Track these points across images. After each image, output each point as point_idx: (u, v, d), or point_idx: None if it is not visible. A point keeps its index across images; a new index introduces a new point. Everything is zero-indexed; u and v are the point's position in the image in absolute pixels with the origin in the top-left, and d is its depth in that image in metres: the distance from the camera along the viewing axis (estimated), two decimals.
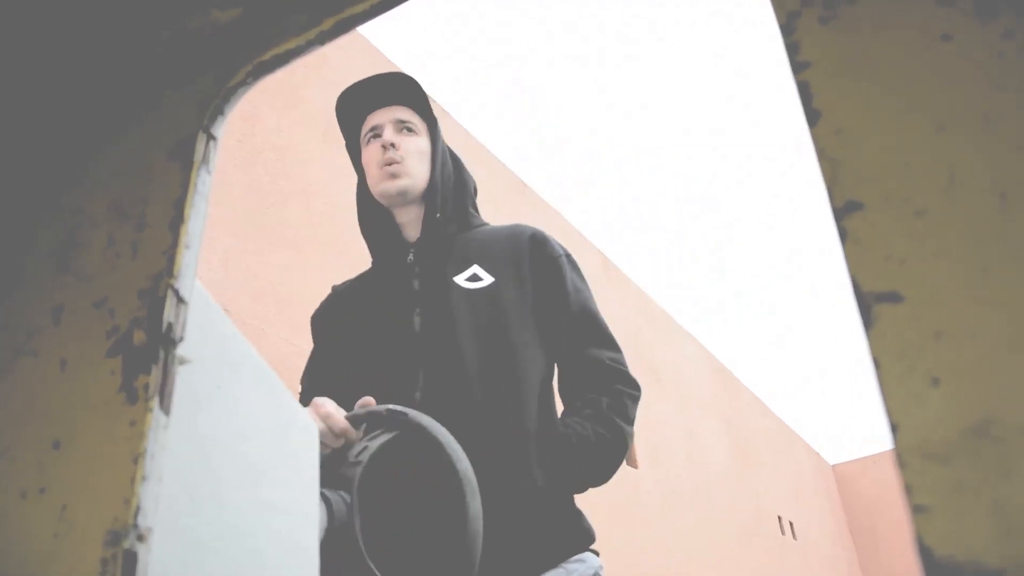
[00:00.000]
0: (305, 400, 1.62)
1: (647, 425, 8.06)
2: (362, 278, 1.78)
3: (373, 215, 1.73)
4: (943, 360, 0.30)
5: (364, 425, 1.21)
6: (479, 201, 1.88)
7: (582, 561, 1.43)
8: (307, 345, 3.55)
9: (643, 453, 7.89)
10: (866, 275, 0.33)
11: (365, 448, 1.10)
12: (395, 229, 1.71)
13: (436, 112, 5.76)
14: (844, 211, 0.34)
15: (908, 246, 0.32)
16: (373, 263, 1.78)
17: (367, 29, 5.31)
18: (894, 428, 0.30)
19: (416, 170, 1.68)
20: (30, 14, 0.78)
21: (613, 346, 1.64)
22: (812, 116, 0.36)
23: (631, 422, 1.55)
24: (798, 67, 0.38)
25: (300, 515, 0.76)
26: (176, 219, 0.65)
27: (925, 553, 0.28)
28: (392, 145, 1.65)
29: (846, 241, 0.34)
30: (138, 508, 0.54)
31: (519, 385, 1.50)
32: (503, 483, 1.40)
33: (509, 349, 1.52)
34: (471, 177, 1.83)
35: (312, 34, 0.68)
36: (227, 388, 0.69)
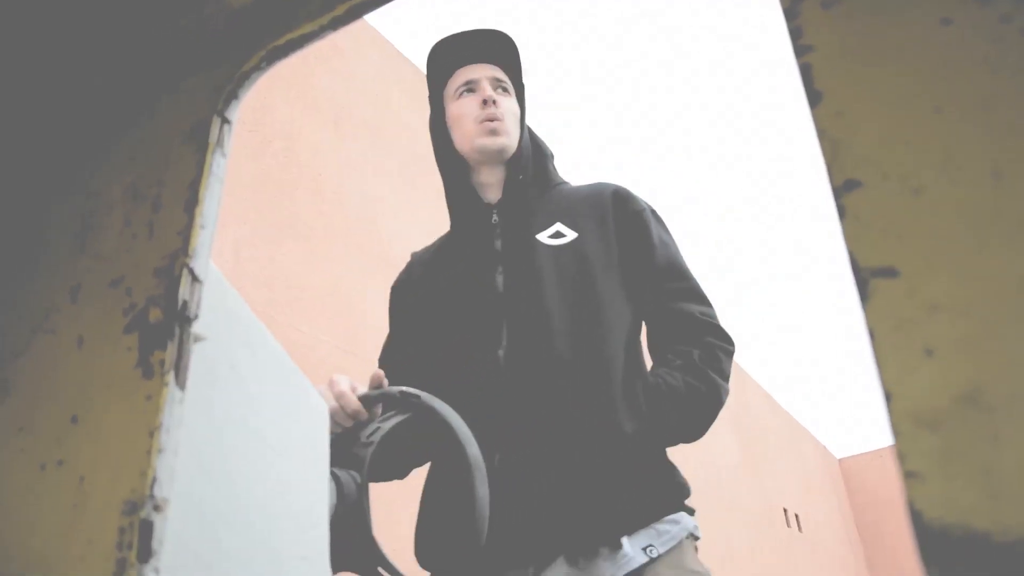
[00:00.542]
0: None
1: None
2: (441, 243, 1.78)
3: (451, 175, 1.71)
4: (936, 332, 0.31)
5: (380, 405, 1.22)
6: None
7: (675, 522, 1.39)
8: (317, 334, 3.56)
9: None
10: (864, 251, 0.34)
11: (377, 429, 1.11)
12: (471, 191, 1.69)
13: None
14: (843, 189, 0.35)
15: (905, 223, 0.33)
16: (452, 226, 1.76)
17: (379, 21, 5.32)
18: (888, 397, 0.31)
19: (512, 130, 1.67)
20: (51, 1, 0.79)
21: (703, 300, 1.60)
22: (814, 98, 0.37)
23: (726, 377, 1.51)
24: (801, 51, 0.39)
25: (310, 491, 0.77)
26: (191, 200, 0.66)
27: (916, 517, 0.29)
28: (494, 102, 1.64)
29: (845, 218, 0.35)
30: (154, 479, 0.55)
31: (606, 338, 1.48)
32: (590, 435, 1.38)
33: (595, 302, 1.50)
34: (544, 142, 1.81)
35: (325, 19, 0.69)
36: (240, 365, 0.70)
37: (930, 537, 0.29)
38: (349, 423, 1.20)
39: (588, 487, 1.34)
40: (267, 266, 3.64)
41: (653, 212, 1.67)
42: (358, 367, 3.65)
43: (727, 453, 10.18)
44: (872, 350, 0.32)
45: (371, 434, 1.10)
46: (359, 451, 1.06)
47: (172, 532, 0.56)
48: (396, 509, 3.08)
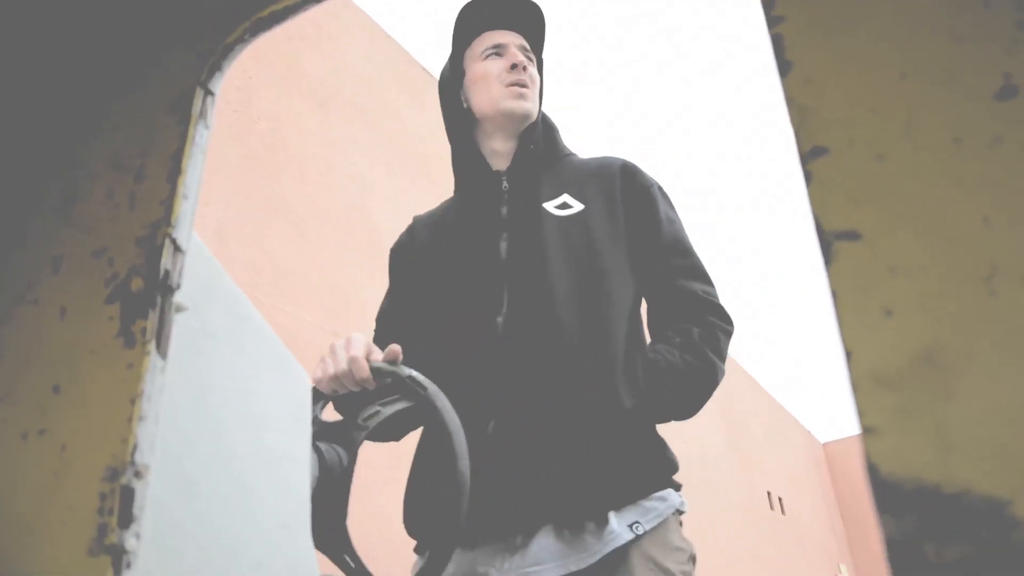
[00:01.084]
0: (380, 341, 1.61)
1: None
2: (445, 207, 1.77)
3: (460, 139, 1.71)
4: (896, 292, 0.32)
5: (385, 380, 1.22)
6: None
7: (663, 499, 1.40)
8: (301, 314, 3.56)
9: None
10: (828, 215, 0.35)
11: (376, 413, 1.11)
12: (480, 157, 1.68)
13: (432, 83, 5.74)
14: (810, 156, 0.36)
15: (868, 187, 0.34)
16: (457, 191, 1.76)
17: (367, 2, 5.28)
18: (848, 355, 0.32)
19: (536, 99, 1.68)
20: None
21: (706, 279, 1.60)
22: (784, 67, 0.38)
23: (723, 357, 1.51)
24: (773, 21, 0.40)
25: (291, 461, 0.78)
26: (174, 171, 0.66)
27: (872, 471, 0.30)
28: (524, 68, 1.65)
29: (811, 183, 0.35)
30: (135, 446, 0.56)
31: (608, 310, 1.48)
32: (588, 407, 1.39)
33: (599, 274, 1.50)
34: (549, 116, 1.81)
35: None
36: (221, 335, 0.71)
37: (885, 489, 0.30)
38: (356, 389, 1.20)
39: (582, 459, 1.34)
40: (252, 248, 3.63)
41: (660, 188, 1.67)
42: None
43: (712, 437, 10.24)
44: (834, 310, 0.33)
45: (368, 417, 1.10)
46: (354, 433, 1.07)
47: (153, 498, 0.57)
48: (379, 483, 3.10)
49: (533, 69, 1.70)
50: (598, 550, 1.31)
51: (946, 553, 0.28)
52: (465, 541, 1.11)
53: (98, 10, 0.81)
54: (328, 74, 4.66)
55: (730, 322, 1.56)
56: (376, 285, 1.76)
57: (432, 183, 5.07)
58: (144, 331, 0.60)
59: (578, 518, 1.34)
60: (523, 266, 1.52)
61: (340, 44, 4.89)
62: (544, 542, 1.33)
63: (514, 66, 1.64)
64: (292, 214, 3.99)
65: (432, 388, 1.15)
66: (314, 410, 1.12)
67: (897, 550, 0.29)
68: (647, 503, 1.38)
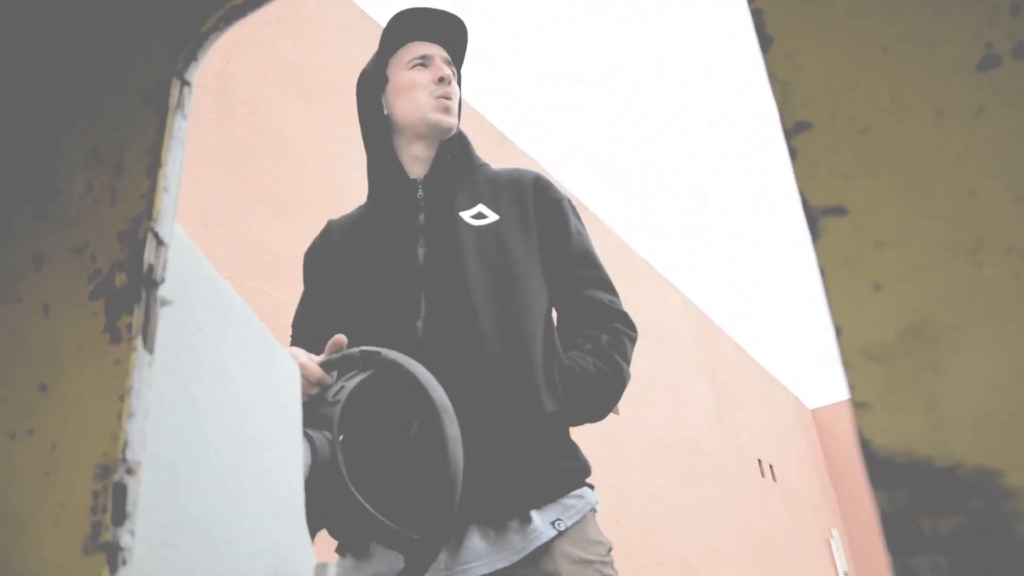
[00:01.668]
0: (298, 345, 1.63)
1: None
2: (360, 213, 1.80)
3: (377, 144, 1.75)
4: (883, 267, 0.32)
5: (336, 370, 1.25)
6: None
7: (580, 497, 1.46)
8: (286, 298, 3.55)
9: (627, 401, 7.98)
10: (814, 191, 0.34)
11: (342, 388, 1.12)
12: (396, 164, 1.72)
13: None
14: (794, 131, 0.36)
15: (853, 162, 0.34)
16: (372, 197, 1.80)
17: None
18: (838, 331, 0.32)
19: (457, 112, 1.73)
20: None
21: (611, 289, 1.68)
22: (765, 42, 0.38)
23: (629, 361, 1.59)
24: None
25: (284, 452, 0.78)
26: (153, 164, 0.65)
27: (864, 445, 0.30)
28: (449, 82, 1.70)
29: (796, 160, 0.35)
30: (126, 443, 0.56)
31: (525, 316, 1.53)
32: (510, 411, 1.43)
33: (514, 283, 1.55)
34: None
35: None
36: (208, 327, 0.70)
37: (877, 463, 0.30)
38: (315, 390, 1.22)
39: (505, 460, 1.39)
40: (235, 232, 3.61)
41: (570, 203, 1.74)
42: None
43: (701, 406, 10.31)
44: (823, 286, 0.33)
45: (337, 393, 1.11)
46: (327, 411, 1.07)
47: (146, 495, 0.56)
48: None
49: (455, 83, 1.75)
50: (523, 547, 1.36)
51: (940, 525, 0.28)
52: (386, 542, 1.14)
53: (70, 3, 0.79)
54: (305, 55, 4.62)
55: (634, 329, 1.65)
56: None
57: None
58: (130, 327, 0.59)
59: (503, 517, 1.38)
60: (441, 272, 1.56)
61: (316, 24, 4.85)
62: (470, 543, 1.38)
63: (441, 79, 1.70)
64: (274, 198, 3.96)
65: (385, 350, 1.17)
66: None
67: (891, 524, 0.29)
68: (566, 501, 1.44)
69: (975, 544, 0.28)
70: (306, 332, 1.68)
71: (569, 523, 1.40)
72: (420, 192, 1.68)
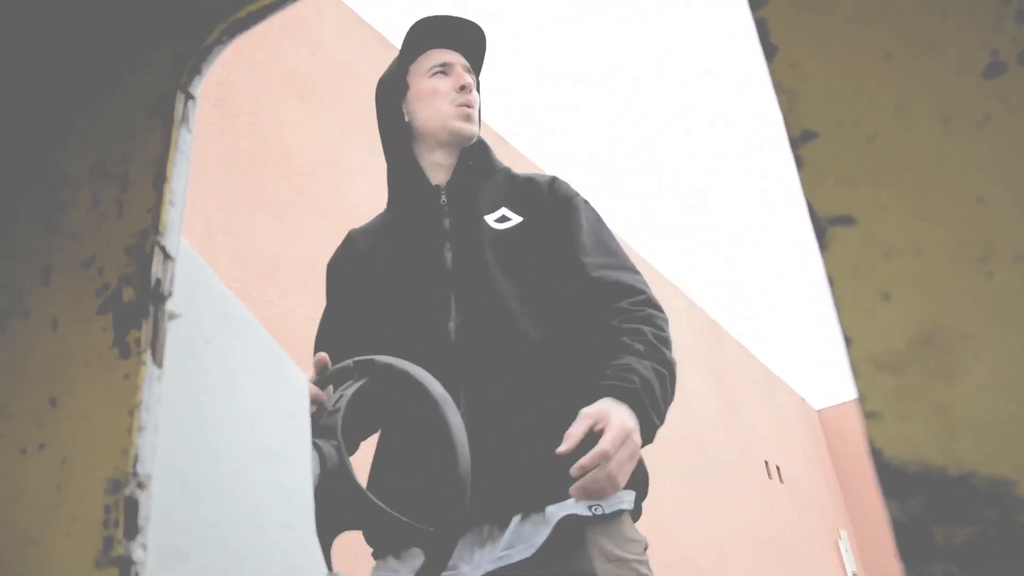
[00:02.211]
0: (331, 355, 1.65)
1: None
2: (382, 220, 1.81)
3: (397, 151, 1.75)
4: (892, 276, 0.32)
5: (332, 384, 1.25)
6: None
7: (622, 495, 1.43)
8: (290, 306, 3.55)
9: None
10: (821, 200, 0.35)
11: (341, 396, 1.14)
12: (418, 171, 1.72)
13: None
14: (800, 140, 0.36)
15: (859, 171, 0.34)
16: (392, 204, 1.80)
17: None
18: (848, 341, 0.32)
19: (478, 119, 1.74)
20: None
21: (632, 269, 1.63)
22: (769, 51, 0.38)
23: (671, 349, 1.54)
24: (756, 4, 0.39)
25: (293, 462, 0.78)
26: (159, 177, 0.66)
27: (876, 455, 0.30)
28: (471, 90, 1.71)
29: (802, 169, 0.35)
30: (136, 457, 0.56)
31: (556, 317, 1.53)
32: (548, 405, 1.43)
33: (541, 283, 1.56)
34: None
35: None
36: (216, 340, 0.70)
37: (889, 473, 0.30)
38: (313, 409, 1.23)
39: (544, 454, 1.38)
40: (239, 241, 3.62)
41: (584, 201, 1.72)
42: None
43: (707, 408, 10.30)
44: (832, 296, 0.33)
45: (336, 402, 1.12)
46: (328, 420, 1.08)
47: (157, 507, 0.57)
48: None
49: (475, 91, 1.76)
50: (555, 519, 1.36)
51: (954, 535, 0.28)
52: (405, 539, 1.14)
53: (73, 16, 0.80)
54: (306, 64, 4.63)
55: (662, 309, 1.60)
56: None
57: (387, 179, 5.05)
58: (139, 341, 0.59)
59: (545, 504, 1.38)
60: (469, 275, 1.57)
61: (316, 32, 4.86)
62: (513, 528, 1.38)
63: (463, 87, 1.70)
64: (277, 206, 3.97)
65: (378, 356, 1.19)
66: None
67: (904, 534, 0.29)
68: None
69: (989, 554, 0.28)
70: (332, 344, 1.68)
71: (608, 510, 1.38)
72: (444, 198, 1.69)
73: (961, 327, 0.31)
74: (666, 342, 1.52)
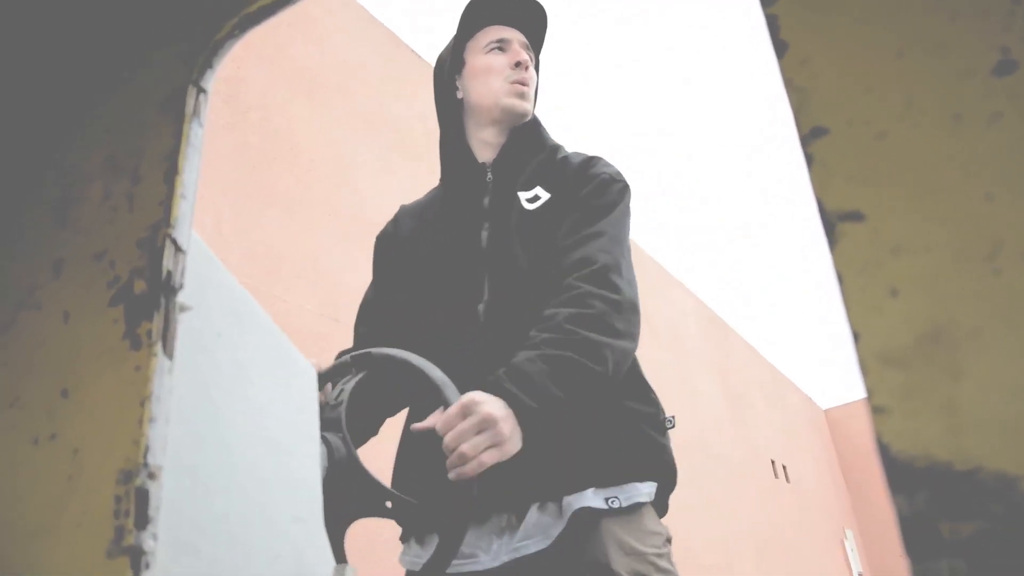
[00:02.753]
0: (363, 330, 1.66)
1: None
2: (430, 197, 1.79)
3: (450, 127, 1.73)
4: (901, 272, 0.32)
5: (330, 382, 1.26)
6: None
7: (643, 486, 1.41)
8: (299, 302, 3.56)
9: None
10: (830, 196, 0.35)
11: (341, 391, 1.15)
12: (466, 148, 1.70)
13: (417, 63, 5.71)
14: (810, 137, 0.36)
15: (869, 167, 0.34)
16: (443, 181, 1.78)
17: None
18: (856, 337, 0.32)
19: (533, 98, 1.71)
20: None
21: (609, 238, 1.50)
22: (780, 48, 0.38)
23: (608, 330, 1.38)
24: (767, 1, 0.39)
25: (301, 453, 0.78)
26: (170, 171, 0.66)
27: (883, 450, 0.31)
28: (527, 67, 1.68)
29: (812, 165, 0.35)
30: (147, 448, 0.56)
31: None
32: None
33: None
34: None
35: None
36: (227, 333, 0.71)
37: (896, 468, 0.30)
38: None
39: (567, 442, 1.37)
40: (248, 237, 3.63)
41: (613, 181, 1.60)
42: (341, 333, 3.65)
43: (713, 408, 10.29)
44: (840, 292, 0.33)
45: (337, 396, 1.13)
46: (331, 413, 1.10)
47: (168, 499, 0.57)
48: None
49: (532, 69, 1.72)
50: (571, 510, 1.34)
51: (960, 530, 0.28)
52: (417, 522, 1.13)
53: (86, 11, 0.80)
54: (315, 60, 4.63)
55: (616, 289, 1.42)
56: (370, 269, 1.78)
57: (419, 164, 5.06)
58: (150, 333, 0.60)
59: (562, 494, 1.36)
60: (501, 256, 1.54)
61: (326, 29, 4.86)
62: (531, 518, 1.36)
63: (518, 64, 1.67)
64: (285, 202, 3.98)
65: (375, 349, 1.21)
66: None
67: (911, 528, 0.29)
68: (627, 485, 1.40)
69: (995, 549, 0.28)
70: (372, 321, 1.67)
71: (624, 503, 1.36)
72: (489, 175, 1.66)
73: (969, 324, 0.31)
74: (583, 319, 1.35)
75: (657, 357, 8.77)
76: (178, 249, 0.63)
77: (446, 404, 1.13)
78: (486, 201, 1.63)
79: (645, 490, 1.42)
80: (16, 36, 0.82)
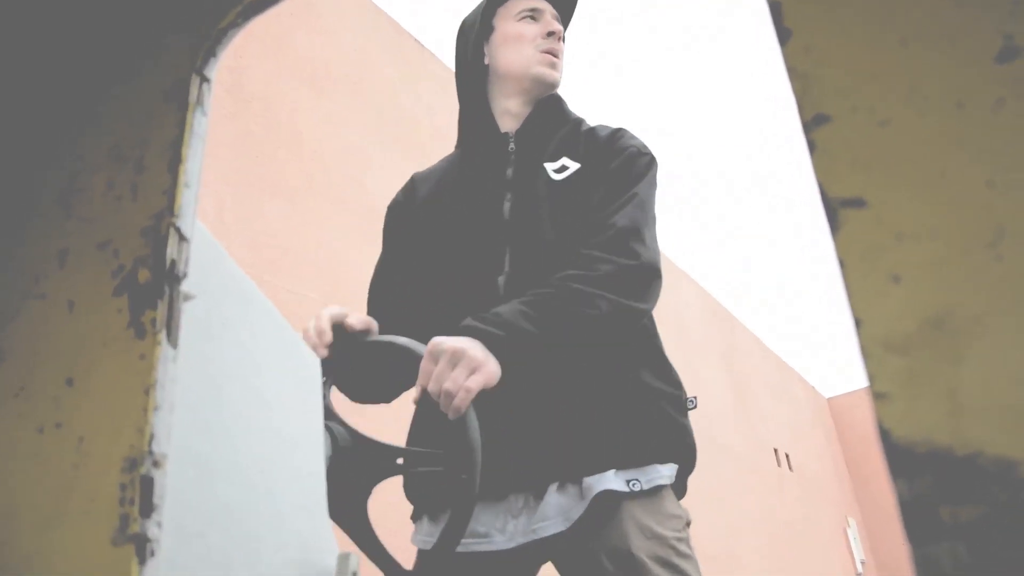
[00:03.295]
0: (375, 303, 1.64)
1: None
2: (446, 163, 1.76)
3: (471, 95, 1.71)
4: (903, 259, 0.33)
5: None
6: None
7: (664, 469, 1.40)
8: (303, 291, 3.56)
9: None
10: (833, 182, 0.35)
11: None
12: (489, 116, 1.68)
13: (422, 53, 5.70)
14: (813, 124, 0.36)
15: (872, 154, 0.34)
16: (460, 148, 1.75)
17: None
18: (858, 323, 0.32)
19: (562, 69, 1.69)
20: None
21: (635, 206, 1.49)
22: (783, 35, 0.38)
23: (610, 291, 1.38)
24: None
25: (307, 443, 0.79)
26: (174, 160, 0.66)
27: (884, 435, 0.31)
28: (559, 38, 1.66)
29: (814, 152, 0.35)
30: (152, 436, 0.56)
31: None
32: (595, 373, 1.39)
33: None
34: None
35: None
36: (231, 322, 0.71)
37: (897, 453, 0.30)
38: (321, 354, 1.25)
39: (592, 421, 1.35)
40: (251, 226, 3.63)
41: (642, 154, 1.59)
42: None
43: (717, 396, 10.29)
44: (842, 278, 0.33)
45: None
46: (328, 404, 1.11)
47: (173, 487, 0.57)
48: None
49: (562, 41, 1.70)
50: (589, 495, 1.32)
51: (960, 514, 0.29)
52: (441, 473, 1.13)
53: (90, 2, 0.80)
54: (319, 50, 4.63)
55: (633, 255, 1.42)
56: (375, 259, 1.75)
57: (425, 154, 5.05)
58: (154, 321, 0.60)
59: (583, 474, 1.34)
60: (525, 228, 1.51)
61: (330, 19, 4.85)
62: (550, 499, 1.34)
63: (550, 34, 1.65)
64: (289, 192, 3.98)
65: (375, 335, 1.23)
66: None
67: (911, 512, 0.29)
68: (649, 467, 1.38)
69: (995, 533, 0.28)
70: (384, 293, 1.64)
71: (646, 486, 1.34)
72: (512, 145, 1.64)
73: (971, 310, 0.31)
74: (580, 277, 1.35)
75: (664, 346, 8.74)
76: (182, 238, 0.64)
77: (467, 443, 1.12)
78: (509, 172, 1.60)
79: (666, 472, 1.40)
80: (21, 27, 0.82)
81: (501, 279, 1.47)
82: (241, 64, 3.90)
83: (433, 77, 5.62)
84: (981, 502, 0.28)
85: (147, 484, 0.55)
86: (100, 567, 0.54)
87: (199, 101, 0.70)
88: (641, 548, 1.30)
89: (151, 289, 0.62)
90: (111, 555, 0.54)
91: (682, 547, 1.35)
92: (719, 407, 10.21)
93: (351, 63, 4.91)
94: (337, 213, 4.23)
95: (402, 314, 1.55)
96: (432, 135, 5.25)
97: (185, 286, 0.63)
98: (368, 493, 1.09)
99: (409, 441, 1.51)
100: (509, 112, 1.68)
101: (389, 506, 1.53)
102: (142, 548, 0.53)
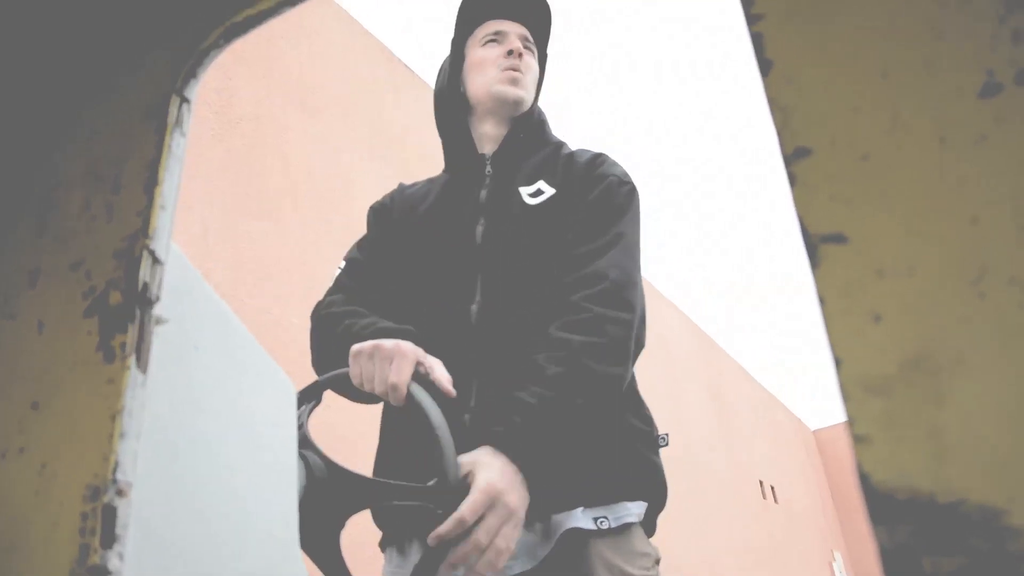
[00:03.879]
0: (347, 286, 1.61)
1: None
2: (429, 183, 1.76)
3: (450, 122, 1.71)
4: (884, 297, 0.32)
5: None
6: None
7: (633, 507, 1.39)
8: (286, 315, 3.54)
9: None
10: (813, 217, 0.34)
11: (303, 410, 1.15)
12: (468, 140, 1.69)
13: (409, 75, 5.72)
14: (794, 157, 0.35)
15: (853, 189, 0.34)
16: (446, 170, 1.75)
17: None
18: (838, 363, 0.31)
19: (530, 87, 1.68)
20: None
21: (621, 248, 1.46)
22: (764, 66, 0.37)
23: (611, 358, 1.35)
24: (752, 20, 0.39)
25: (279, 469, 0.77)
26: (151, 181, 0.65)
27: (864, 480, 0.30)
28: (519, 55, 1.65)
29: (795, 186, 0.35)
30: (116, 464, 0.55)
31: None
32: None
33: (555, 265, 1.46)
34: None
35: None
36: (204, 347, 0.70)
37: (878, 498, 0.29)
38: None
39: (554, 457, 1.33)
40: (236, 248, 3.61)
41: (622, 184, 1.56)
42: None
43: (702, 427, 10.28)
44: (822, 315, 0.32)
45: (300, 415, 1.14)
46: (302, 433, 1.10)
47: (141, 516, 0.56)
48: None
49: (531, 58, 1.70)
50: (555, 534, 1.30)
51: (942, 564, 0.28)
52: (411, 498, 1.11)
53: (70, 17, 0.79)
54: (307, 71, 4.64)
55: (628, 308, 1.40)
56: None
57: (412, 176, 5.06)
58: (124, 345, 0.59)
59: (550, 512, 1.32)
60: (497, 254, 1.49)
61: (319, 41, 4.87)
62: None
63: (510, 52, 1.65)
64: (275, 214, 3.97)
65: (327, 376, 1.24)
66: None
67: (892, 562, 0.28)
68: (617, 505, 1.36)
69: None
70: (358, 284, 1.62)
71: (614, 524, 1.33)
72: (488, 168, 1.63)
73: (953, 350, 0.30)
74: (598, 351, 1.31)
75: (647, 374, 8.75)
76: (156, 260, 0.62)
77: (444, 474, 1.08)
78: (483, 195, 1.59)
79: (635, 510, 1.38)
80: (1, 41, 0.81)
81: (474, 308, 1.45)
82: (230, 85, 3.90)
83: (420, 98, 5.64)
84: (964, 552, 0.27)
85: (109, 514, 0.53)
86: None
87: (178, 122, 0.69)
88: None
89: (122, 312, 0.60)
90: None
91: None
92: (704, 437, 10.20)
93: (339, 86, 4.92)
94: (323, 233, 4.22)
95: (380, 308, 1.53)
96: (420, 157, 5.26)
97: (158, 310, 0.62)
98: (342, 525, 1.07)
99: (377, 466, 1.49)
100: (487, 135, 1.68)
101: (362, 538, 1.51)
102: None
